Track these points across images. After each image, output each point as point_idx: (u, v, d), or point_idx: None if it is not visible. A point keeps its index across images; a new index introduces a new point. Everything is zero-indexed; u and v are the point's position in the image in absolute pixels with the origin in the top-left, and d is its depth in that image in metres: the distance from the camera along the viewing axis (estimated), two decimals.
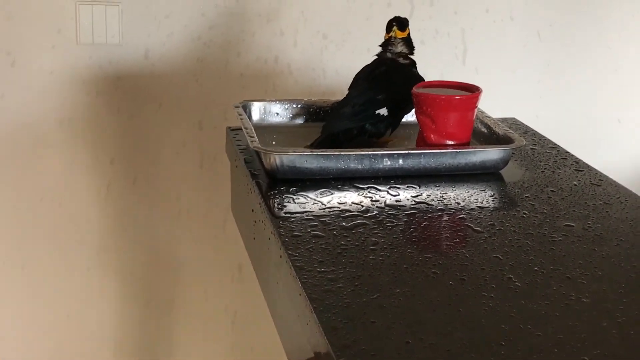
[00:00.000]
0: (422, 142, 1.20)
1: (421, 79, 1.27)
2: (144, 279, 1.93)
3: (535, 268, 0.93)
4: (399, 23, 1.29)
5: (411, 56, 1.31)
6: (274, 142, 1.26)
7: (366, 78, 1.27)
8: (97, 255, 1.88)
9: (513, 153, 1.24)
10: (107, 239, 1.88)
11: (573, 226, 1.03)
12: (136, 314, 1.94)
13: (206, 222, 1.92)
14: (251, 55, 1.86)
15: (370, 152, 1.14)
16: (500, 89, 1.99)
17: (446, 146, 1.17)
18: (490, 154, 1.17)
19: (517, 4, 1.95)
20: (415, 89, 1.20)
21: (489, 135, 1.25)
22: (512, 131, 1.23)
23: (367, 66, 1.30)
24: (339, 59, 1.92)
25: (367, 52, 1.93)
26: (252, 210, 1.12)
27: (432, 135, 1.18)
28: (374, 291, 0.86)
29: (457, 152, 1.16)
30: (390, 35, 1.30)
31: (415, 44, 1.92)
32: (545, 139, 1.36)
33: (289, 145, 1.24)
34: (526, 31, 1.97)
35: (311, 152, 1.13)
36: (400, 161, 1.15)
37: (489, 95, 2.00)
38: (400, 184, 1.14)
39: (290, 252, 0.93)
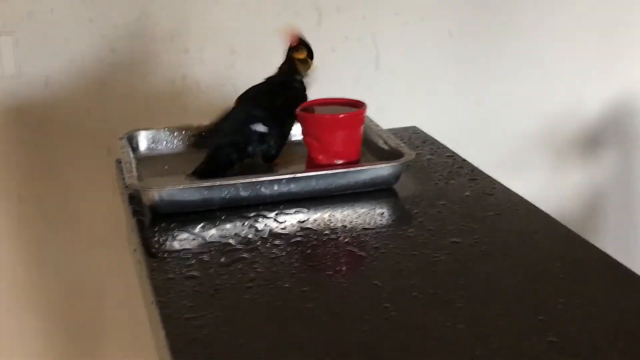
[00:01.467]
0: (311, 164, 1.16)
1: (305, 97, 1.23)
2: (66, 313, 1.87)
3: (414, 293, 0.90)
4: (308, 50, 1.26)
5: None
6: (164, 173, 1.22)
7: (247, 96, 1.23)
8: (14, 294, 1.82)
9: (408, 165, 1.22)
10: (23, 276, 1.82)
11: (459, 242, 1.01)
12: (61, 350, 1.89)
13: (127, 249, 1.87)
14: (157, 75, 1.82)
15: (254, 180, 1.11)
16: (417, 89, 1.97)
17: (333, 166, 1.14)
18: (379, 170, 1.14)
19: (425, 5, 1.92)
20: (298, 111, 1.16)
21: (383, 150, 1.22)
22: (403, 144, 1.20)
23: (253, 86, 1.27)
24: (249, 72, 1.84)
25: (278, 63, 1.92)
26: (135, 250, 1.08)
27: (319, 156, 1.15)
28: (241, 336, 0.83)
29: (344, 172, 1.13)
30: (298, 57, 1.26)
31: (326, 51, 1.92)
32: (444, 147, 1.33)
33: (182, 174, 1.20)
34: (437, 31, 1.95)
35: (191, 184, 1.09)
36: (288, 186, 1.12)
37: (407, 97, 2.00)
38: (289, 208, 1.11)
39: (159, 298, 0.89)
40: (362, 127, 1.17)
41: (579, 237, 1.01)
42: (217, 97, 1.89)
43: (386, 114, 1.99)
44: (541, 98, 2.06)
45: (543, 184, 2.10)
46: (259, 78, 1.85)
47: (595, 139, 2.10)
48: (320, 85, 1.94)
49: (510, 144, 2.05)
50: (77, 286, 1.86)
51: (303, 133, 1.17)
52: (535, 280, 0.92)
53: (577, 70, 2.07)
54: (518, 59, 2.01)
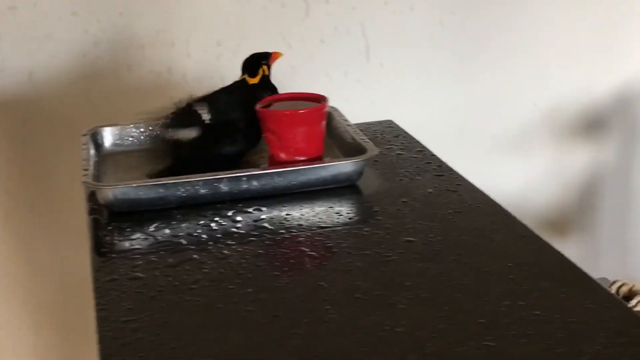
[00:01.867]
0: (273, 161, 1.14)
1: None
2: (55, 307, 1.88)
3: (358, 295, 0.88)
4: (250, 70, 1.25)
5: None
6: (129, 170, 1.21)
7: (213, 99, 1.22)
8: (1, 289, 1.83)
9: (376, 160, 1.19)
10: (10, 270, 1.83)
11: (414, 241, 0.98)
12: (52, 344, 1.89)
13: None
14: (143, 69, 1.80)
15: (212, 177, 1.09)
16: (408, 81, 1.93)
17: (294, 163, 1.12)
18: (340, 167, 1.12)
19: None
20: (258, 106, 1.14)
21: (350, 145, 1.20)
22: (368, 140, 1.17)
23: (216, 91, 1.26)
24: (236, 65, 1.85)
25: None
26: (90, 250, 1.07)
27: (280, 153, 1.13)
28: (175, 340, 0.81)
29: (305, 168, 1.11)
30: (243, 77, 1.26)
31: (314, 42, 1.90)
32: (416, 142, 1.30)
33: (148, 171, 1.18)
34: (428, 21, 1.91)
35: (144, 182, 1.08)
36: (248, 183, 1.10)
37: (398, 89, 1.97)
38: (248, 206, 1.09)
39: (98, 300, 0.88)
40: (323, 123, 1.14)
41: (539, 238, 0.98)
42: (204, 89, 1.86)
43: (377, 106, 1.97)
44: (540, 87, 2.01)
45: (542, 173, 2.06)
46: None
47: (598, 126, 2.06)
48: (308, 77, 1.93)
49: (507, 134, 2.01)
50: (65, 281, 1.86)
51: (263, 129, 1.15)
52: (484, 281, 0.90)
53: (577, 57, 2.01)
54: (513, 47, 1.96)
